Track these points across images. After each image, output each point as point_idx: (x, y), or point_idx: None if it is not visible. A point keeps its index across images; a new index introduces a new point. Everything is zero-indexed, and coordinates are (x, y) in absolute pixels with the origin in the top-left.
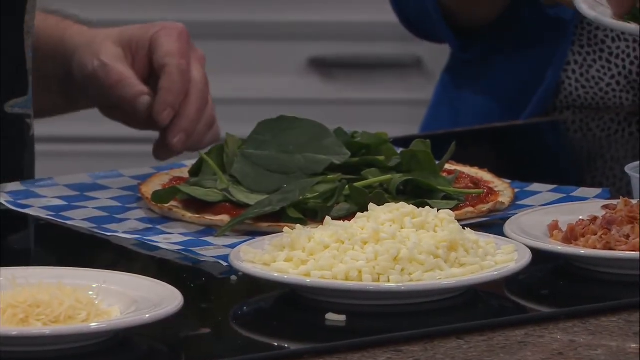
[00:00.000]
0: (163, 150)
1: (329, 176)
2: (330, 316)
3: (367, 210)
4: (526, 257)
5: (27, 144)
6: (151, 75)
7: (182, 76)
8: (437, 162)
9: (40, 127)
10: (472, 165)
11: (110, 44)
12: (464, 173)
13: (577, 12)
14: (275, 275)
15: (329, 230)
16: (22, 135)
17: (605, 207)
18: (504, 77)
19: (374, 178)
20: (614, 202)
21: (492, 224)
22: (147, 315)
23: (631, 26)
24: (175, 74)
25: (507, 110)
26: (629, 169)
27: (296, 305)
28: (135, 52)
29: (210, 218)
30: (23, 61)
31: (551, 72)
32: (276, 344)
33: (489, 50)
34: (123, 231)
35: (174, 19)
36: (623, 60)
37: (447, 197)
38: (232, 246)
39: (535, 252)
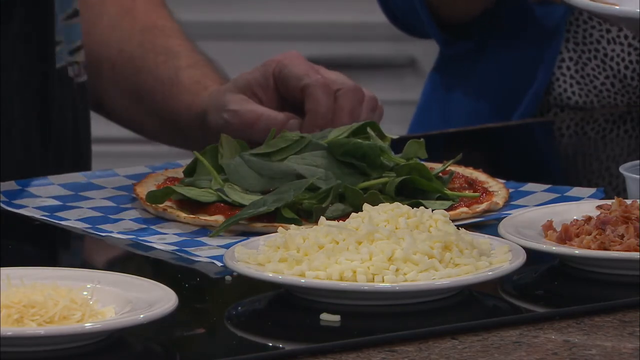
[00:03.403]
0: None
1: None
2: (325, 316)
3: (362, 211)
4: (520, 258)
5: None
6: (285, 107)
7: (325, 90)
8: (433, 164)
9: None
10: (466, 165)
11: (232, 95)
12: (458, 173)
13: (567, 10)
14: (270, 275)
15: (324, 230)
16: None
17: (599, 207)
18: (493, 76)
19: (371, 181)
20: (609, 202)
21: (487, 224)
22: (141, 316)
23: (610, 7)
24: (318, 92)
25: (497, 110)
26: (624, 168)
27: (291, 306)
28: (260, 92)
29: (204, 218)
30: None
31: (542, 72)
32: (271, 344)
33: (476, 47)
34: (117, 231)
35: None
36: (618, 63)
37: (442, 197)
38: (227, 246)
39: (529, 252)
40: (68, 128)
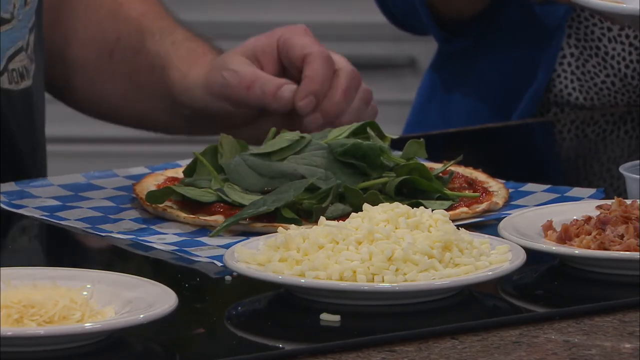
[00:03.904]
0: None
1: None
2: (325, 316)
3: (362, 211)
4: (520, 257)
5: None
6: (284, 77)
7: (326, 62)
8: (433, 164)
9: None
10: (466, 165)
11: (234, 56)
12: (458, 173)
13: (568, 9)
14: (270, 275)
15: (324, 230)
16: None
17: (599, 207)
18: (493, 75)
19: (371, 181)
20: (608, 202)
21: (487, 224)
22: (141, 316)
23: (614, 5)
24: (319, 61)
25: (497, 110)
26: (624, 168)
27: (291, 306)
28: (263, 58)
29: (204, 218)
30: None
31: (542, 71)
32: (270, 344)
33: (474, 45)
34: (117, 231)
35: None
36: (618, 62)
37: (442, 197)
38: (227, 246)
39: (529, 252)
40: (6, 138)
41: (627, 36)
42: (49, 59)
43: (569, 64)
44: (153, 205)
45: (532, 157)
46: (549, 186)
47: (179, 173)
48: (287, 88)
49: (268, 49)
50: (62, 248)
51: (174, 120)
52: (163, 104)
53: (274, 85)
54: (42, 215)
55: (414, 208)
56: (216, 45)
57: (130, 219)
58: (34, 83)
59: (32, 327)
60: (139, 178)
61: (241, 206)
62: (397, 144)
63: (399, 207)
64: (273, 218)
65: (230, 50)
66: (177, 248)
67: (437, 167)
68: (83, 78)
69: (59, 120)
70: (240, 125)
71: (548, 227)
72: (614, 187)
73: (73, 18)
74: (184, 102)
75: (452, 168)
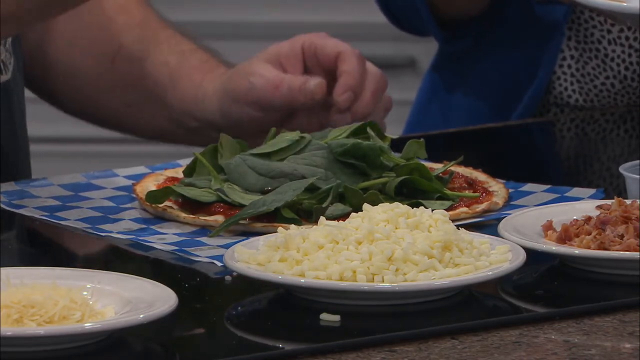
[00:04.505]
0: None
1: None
2: (325, 316)
3: (362, 211)
4: (520, 257)
5: None
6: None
7: (360, 60)
8: (433, 164)
9: (35, 128)
10: (466, 165)
11: (258, 62)
12: (458, 173)
13: (568, 9)
14: (270, 275)
15: (324, 230)
16: None
17: (599, 207)
18: (493, 75)
19: (371, 181)
20: (608, 202)
21: (487, 224)
22: (141, 316)
23: (616, 4)
24: (354, 58)
25: (497, 110)
26: (624, 168)
27: (290, 306)
28: (286, 63)
29: (204, 218)
30: None
31: (542, 71)
32: (270, 344)
33: (475, 45)
34: (117, 231)
35: (174, 19)
36: (618, 64)
37: (442, 197)
38: (227, 246)
39: (529, 252)
40: None
41: (627, 38)
42: (35, 61)
43: (569, 66)
44: (153, 205)
45: (532, 157)
46: (549, 186)
47: (179, 173)
48: (312, 81)
49: (292, 53)
50: (62, 248)
51: (176, 129)
52: (167, 112)
53: (300, 81)
54: (42, 215)
55: (414, 208)
56: (219, 54)
57: (130, 219)
58: (12, 77)
59: (32, 327)
60: (139, 178)
61: (241, 206)
62: (397, 144)
63: (399, 207)
64: (273, 218)
65: (251, 58)
66: (177, 248)
67: (437, 167)
68: (82, 85)
69: (59, 120)
70: (262, 132)
71: (548, 227)
72: (614, 187)
73: (71, 23)
74: (195, 112)
75: (452, 168)
